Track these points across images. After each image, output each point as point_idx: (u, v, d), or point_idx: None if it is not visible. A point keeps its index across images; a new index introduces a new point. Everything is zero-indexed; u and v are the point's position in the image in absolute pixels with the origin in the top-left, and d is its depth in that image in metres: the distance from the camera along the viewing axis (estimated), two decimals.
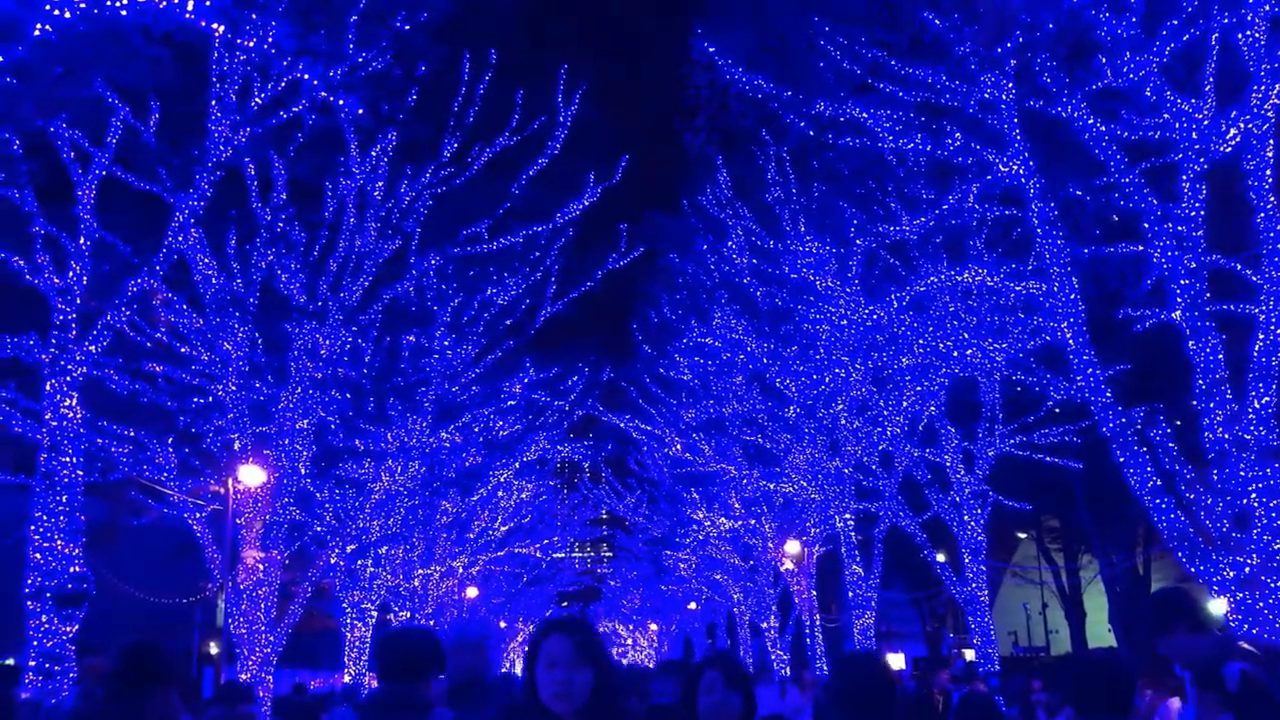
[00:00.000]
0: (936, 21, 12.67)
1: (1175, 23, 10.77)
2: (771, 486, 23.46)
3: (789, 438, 21.64)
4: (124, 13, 9.52)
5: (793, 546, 24.68)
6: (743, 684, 3.91)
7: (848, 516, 20.88)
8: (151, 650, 4.81)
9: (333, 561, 16.41)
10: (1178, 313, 10.87)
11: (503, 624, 48.09)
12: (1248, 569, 10.11)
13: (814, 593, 24.96)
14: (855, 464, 20.25)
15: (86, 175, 11.49)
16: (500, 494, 26.99)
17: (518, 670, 46.83)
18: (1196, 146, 10.80)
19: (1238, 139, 10.55)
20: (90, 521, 10.97)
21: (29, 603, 10.10)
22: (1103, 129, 11.45)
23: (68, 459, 10.45)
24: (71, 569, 10.26)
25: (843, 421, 19.71)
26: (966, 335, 15.60)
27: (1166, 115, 10.96)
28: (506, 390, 22.03)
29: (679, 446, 25.70)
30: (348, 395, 17.94)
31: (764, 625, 28.58)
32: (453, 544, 26.02)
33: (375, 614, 20.72)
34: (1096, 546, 32.20)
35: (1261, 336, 10.34)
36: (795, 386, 20.56)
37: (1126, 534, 31.37)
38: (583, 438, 30.60)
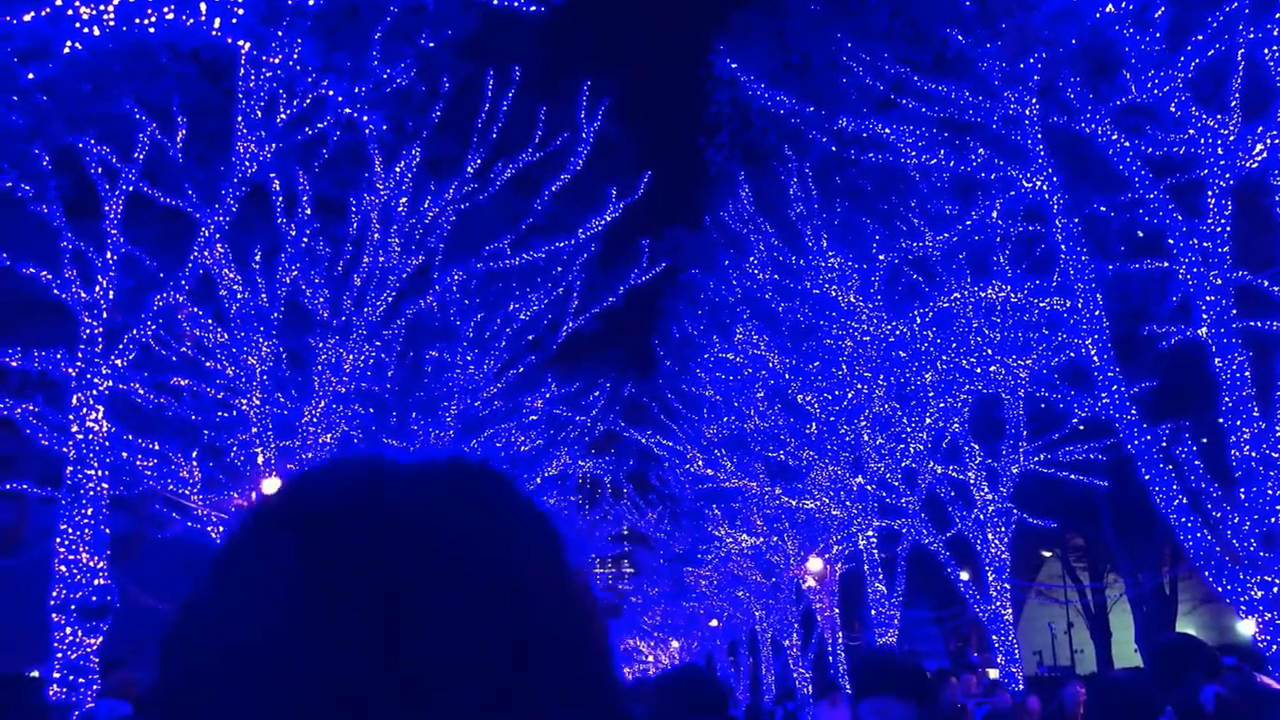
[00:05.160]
0: (960, 38, 12.67)
1: (1200, 38, 10.72)
2: (793, 503, 23.33)
3: (811, 454, 21.53)
4: (152, 30, 9.61)
5: (815, 564, 24.53)
6: None
7: (870, 534, 20.74)
8: None
9: None
10: (1203, 329, 10.79)
11: None
12: (1276, 588, 10.00)
13: (837, 610, 24.80)
14: (878, 481, 20.12)
15: (114, 191, 11.61)
16: None
17: None
18: (1222, 162, 10.73)
19: (1264, 155, 10.48)
20: (115, 534, 11.06)
21: (54, 615, 10.17)
22: (1127, 145, 11.39)
23: (93, 472, 10.53)
24: (96, 581, 10.33)
25: (865, 438, 19.59)
26: (990, 351, 15.54)
27: (1192, 131, 10.90)
28: (528, 405, 22.06)
29: (700, 462, 25.60)
30: (370, 410, 18.03)
31: (786, 643, 28.41)
32: None
33: None
34: (1122, 565, 31.89)
35: None
36: (817, 402, 20.46)
37: (1153, 553, 31.03)
38: (604, 453, 30.62)
